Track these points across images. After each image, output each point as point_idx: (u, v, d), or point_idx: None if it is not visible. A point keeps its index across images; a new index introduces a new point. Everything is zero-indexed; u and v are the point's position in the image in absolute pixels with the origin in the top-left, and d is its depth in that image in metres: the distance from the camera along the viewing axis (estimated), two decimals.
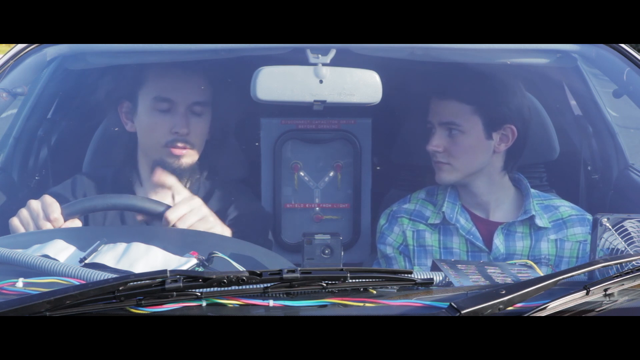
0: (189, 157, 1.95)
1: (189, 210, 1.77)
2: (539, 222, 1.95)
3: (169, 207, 1.78)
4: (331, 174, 2.30)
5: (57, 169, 2.25)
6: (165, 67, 1.98)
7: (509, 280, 1.43)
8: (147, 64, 2.01)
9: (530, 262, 1.64)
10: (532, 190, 2.00)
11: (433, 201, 2.03)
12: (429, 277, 1.39)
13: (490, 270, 1.48)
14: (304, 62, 1.74)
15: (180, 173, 1.95)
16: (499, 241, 1.93)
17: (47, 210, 1.72)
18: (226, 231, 1.83)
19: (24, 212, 1.74)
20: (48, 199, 1.74)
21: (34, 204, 1.74)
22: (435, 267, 1.50)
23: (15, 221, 1.73)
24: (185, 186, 1.97)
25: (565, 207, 2.00)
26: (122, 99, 2.01)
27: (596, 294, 1.31)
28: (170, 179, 1.94)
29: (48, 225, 1.71)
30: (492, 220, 1.98)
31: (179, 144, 1.93)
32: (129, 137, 2.02)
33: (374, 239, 2.20)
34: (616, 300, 1.32)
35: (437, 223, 1.98)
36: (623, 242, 1.47)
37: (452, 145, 1.92)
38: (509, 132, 1.94)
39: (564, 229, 1.96)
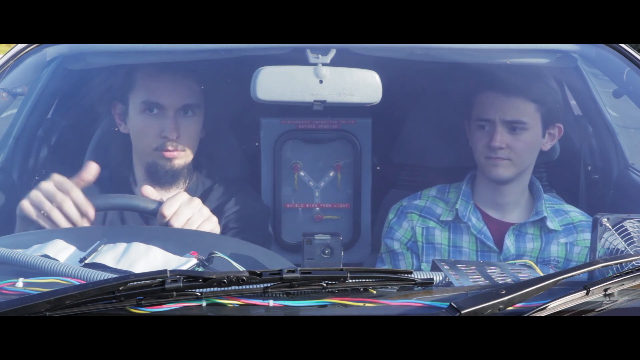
0: (182, 158, 1.96)
1: (182, 203, 1.70)
2: (550, 224, 1.94)
3: (160, 203, 1.71)
4: (331, 174, 2.30)
5: (57, 169, 2.24)
6: (154, 69, 1.98)
7: (509, 280, 1.43)
8: (137, 65, 2.00)
9: (530, 262, 1.64)
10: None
11: (445, 199, 2.03)
12: (429, 277, 1.39)
13: (490, 270, 1.48)
14: (304, 62, 1.74)
15: (174, 175, 1.96)
16: (509, 242, 1.93)
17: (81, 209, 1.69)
18: (214, 222, 1.74)
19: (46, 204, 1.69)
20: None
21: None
22: (435, 267, 1.50)
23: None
24: (180, 187, 1.98)
25: (576, 213, 2.00)
26: (115, 100, 2.02)
27: (596, 294, 1.31)
28: (163, 181, 1.95)
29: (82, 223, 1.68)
30: (503, 220, 1.97)
31: (170, 147, 1.93)
32: (124, 137, 2.02)
33: (374, 239, 2.20)
34: (616, 300, 1.32)
35: (449, 221, 1.98)
36: (623, 242, 1.47)
37: (515, 142, 1.91)
38: (557, 131, 1.97)
39: (574, 233, 1.96)
